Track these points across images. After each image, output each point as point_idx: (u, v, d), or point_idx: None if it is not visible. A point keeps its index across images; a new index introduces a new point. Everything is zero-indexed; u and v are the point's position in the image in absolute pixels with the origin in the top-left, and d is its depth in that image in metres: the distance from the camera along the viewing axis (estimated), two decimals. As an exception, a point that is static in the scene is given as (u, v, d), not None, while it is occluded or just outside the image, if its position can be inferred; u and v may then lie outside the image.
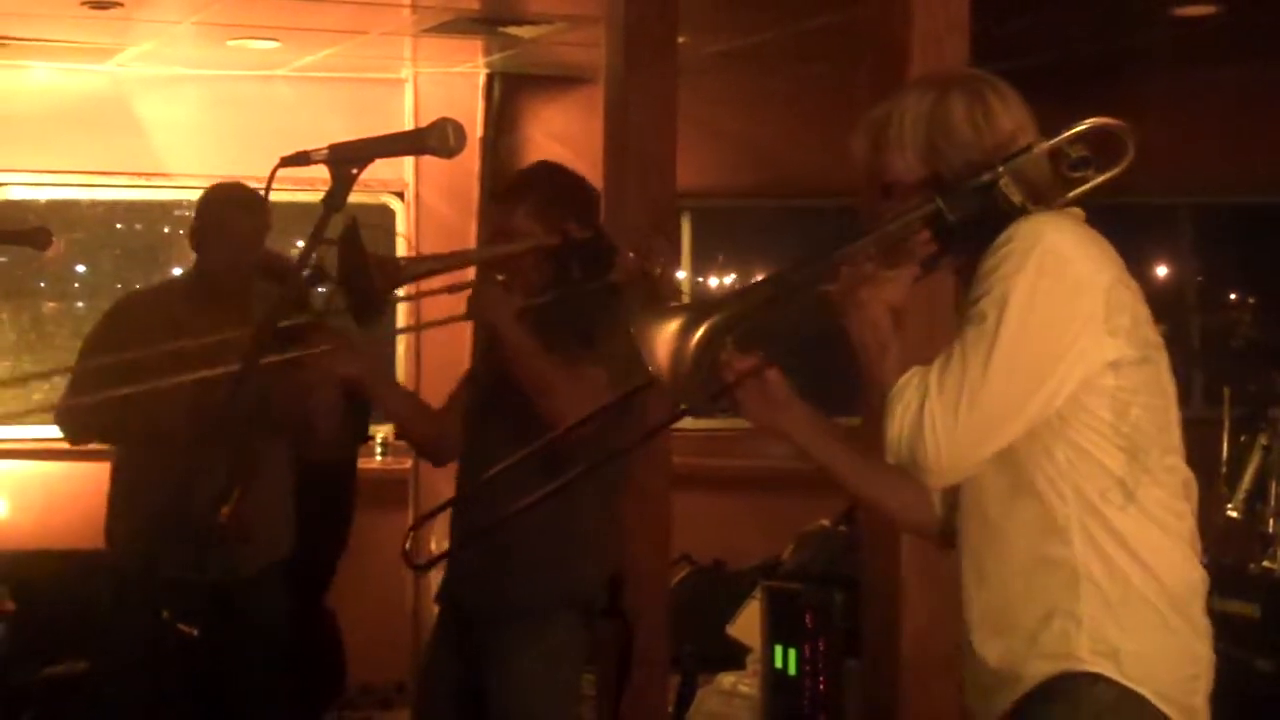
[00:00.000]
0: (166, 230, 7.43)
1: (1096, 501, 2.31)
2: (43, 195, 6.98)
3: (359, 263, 3.34)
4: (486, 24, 6.09)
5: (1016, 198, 2.33)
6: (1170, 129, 6.97)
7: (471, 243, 6.97)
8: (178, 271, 6.32)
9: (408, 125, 6.67)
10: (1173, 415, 2.42)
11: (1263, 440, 5.54)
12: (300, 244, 4.60)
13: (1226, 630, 5.22)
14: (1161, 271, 7.74)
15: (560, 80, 7.06)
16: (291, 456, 4.44)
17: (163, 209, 7.28)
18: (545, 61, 6.81)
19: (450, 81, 7.01)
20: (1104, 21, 6.18)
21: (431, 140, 2.40)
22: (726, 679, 5.81)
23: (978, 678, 2.42)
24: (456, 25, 6.03)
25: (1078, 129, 2.39)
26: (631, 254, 3.63)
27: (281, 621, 4.42)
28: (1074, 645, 2.28)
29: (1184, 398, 8.04)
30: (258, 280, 4.26)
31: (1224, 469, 5.72)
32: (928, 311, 2.93)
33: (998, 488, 2.36)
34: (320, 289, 3.96)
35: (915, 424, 2.27)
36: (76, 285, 7.54)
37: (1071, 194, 2.40)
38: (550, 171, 3.84)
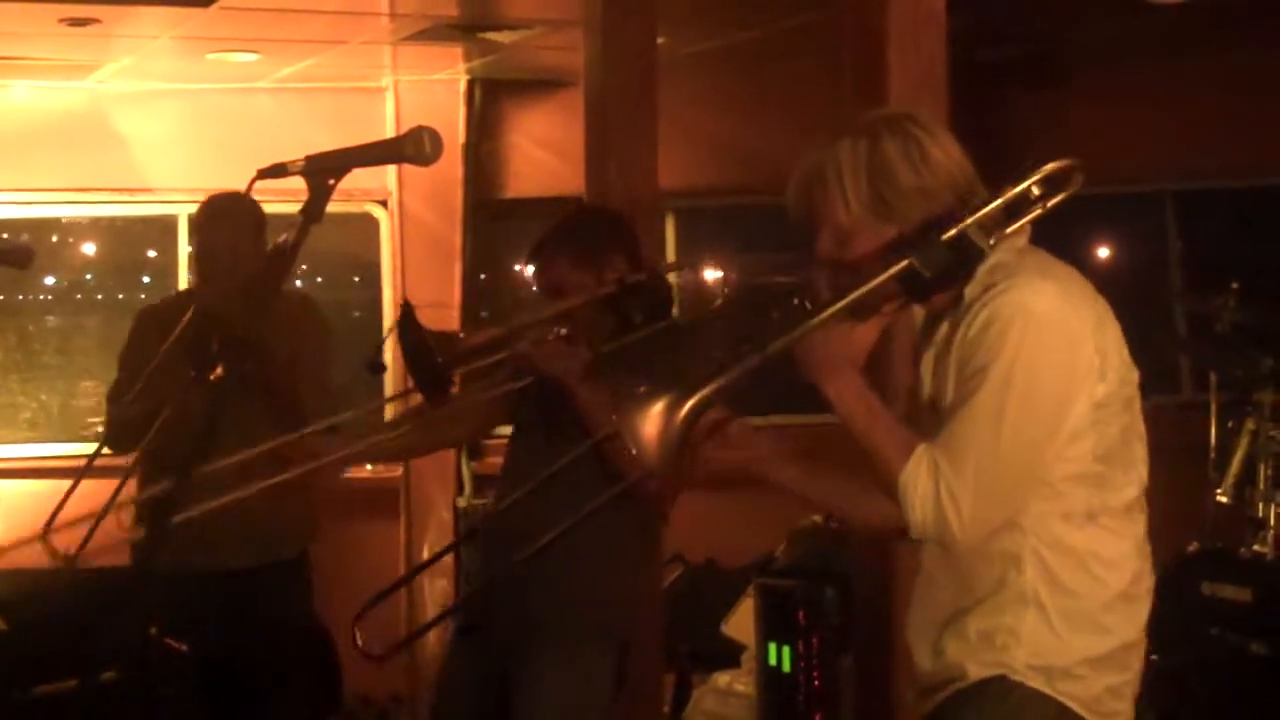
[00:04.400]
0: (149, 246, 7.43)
1: (1058, 530, 2.43)
2: (24, 213, 6.97)
3: (420, 344, 3.35)
4: (465, 30, 6.09)
5: (983, 242, 2.41)
6: (1153, 116, 6.99)
7: (456, 250, 6.98)
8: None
9: (390, 133, 6.65)
10: (1139, 427, 2.50)
11: (1250, 425, 5.54)
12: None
13: (1220, 614, 5.28)
14: (1145, 257, 7.74)
15: (541, 84, 7.05)
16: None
17: (145, 224, 7.26)
18: (525, 66, 6.80)
19: (431, 89, 7.00)
20: (1086, 9, 6.19)
21: (408, 148, 2.39)
22: (722, 677, 5.82)
23: (924, 675, 2.55)
24: (435, 32, 6.03)
25: (1038, 175, 2.44)
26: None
27: (295, 619, 4.48)
28: (1012, 657, 2.44)
29: (1172, 383, 8.02)
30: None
31: (1212, 454, 5.72)
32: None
33: None
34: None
35: (936, 508, 2.35)
36: (62, 302, 7.53)
37: (1017, 224, 2.46)
38: (578, 215, 3.80)
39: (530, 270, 3.65)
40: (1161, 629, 5.78)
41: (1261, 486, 5.43)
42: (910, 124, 2.49)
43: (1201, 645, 5.28)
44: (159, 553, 3.72)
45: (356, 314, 7.18)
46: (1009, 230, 2.44)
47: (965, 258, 2.41)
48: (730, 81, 6.95)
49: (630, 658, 3.75)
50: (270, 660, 4.48)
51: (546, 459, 3.39)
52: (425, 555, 6.67)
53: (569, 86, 6.59)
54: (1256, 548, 5.34)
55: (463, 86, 7.02)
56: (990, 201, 2.43)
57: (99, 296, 7.65)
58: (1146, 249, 7.66)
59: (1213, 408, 5.79)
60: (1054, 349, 2.35)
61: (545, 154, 6.99)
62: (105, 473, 4.55)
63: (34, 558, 6.16)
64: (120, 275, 7.67)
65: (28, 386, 7.13)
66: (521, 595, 3.61)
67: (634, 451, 2.34)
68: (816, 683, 5.02)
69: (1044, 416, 2.35)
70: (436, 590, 6.16)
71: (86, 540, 4.17)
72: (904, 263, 2.40)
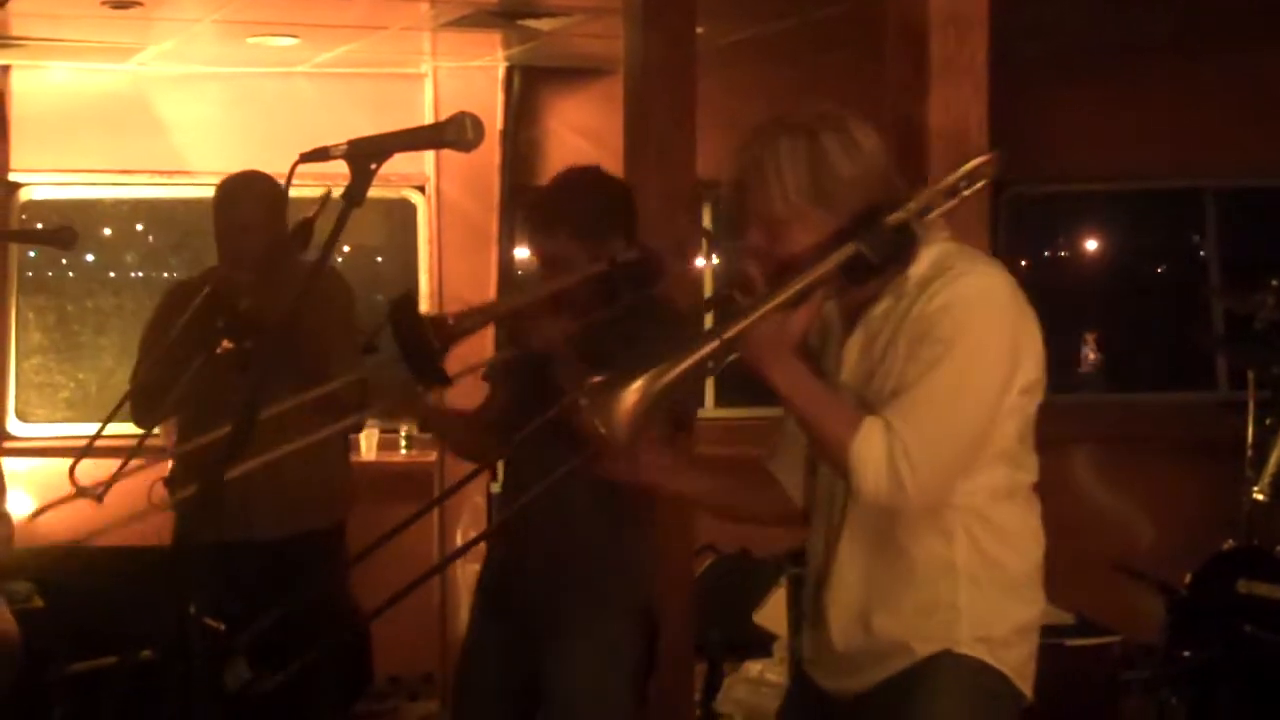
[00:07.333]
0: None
1: (982, 504, 2.58)
2: (66, 195, 7.01)
3: (416, 329, 3.40)
4: (505, 17, 6.09)
5: (919, 229, 2.57)
6: (1194, 113, 6.95)
7: (492, 237, 6.99)
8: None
9: (428, 119, 6.67)
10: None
11: (1287, 423, 5.52)
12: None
13: (1255, 612, 5.25)
14: (1184, 254, 7.71)
15: (580, 72, 7.05)
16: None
17: (186, 207, 7.30)
18: (564, 53, 6.80)
19: (470, 75, 7.01)
20: (1126, 5, 6.16)
21: (450, 134, 2.40)
22: (753, 667, 5.82)
23: (849, 653, 2.65)
24: (475, 19, 6.03)
25: (964, 169, 2.65)
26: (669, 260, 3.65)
27: (336, 588, 4.52)
28: (955, 632, 2.57)
29: (1209, 381, 7.98)
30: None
31: (1249, 452, 5.70)
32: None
33: None
34: None
35: (890, 469, 2.44)
36: (100, 284, 7.57)
37: (935, 212, 2.61)
38: (585, 184, 3.70)
39: (526, 227, 3.67)
40: (1196, 626, 5.77)
41: (1298, 485, 5.41)
42: (842, 119, 2.61)
43: (1236, 643, 5.26)
44: (203, 525, 3.76)
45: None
46: (930, 216, 2.60)
47: (905, 244, 2.54)
48: (769, 71, 6.94)
49: (657, 634, 3.77)
50: (303, 633, 4.51)
51: (531, 443, 3.40)
52: (459, 541, 6.69)
53: (608, 74, 6.59)
54: (1293, 546, 5.31)
55: (501, 73, 7.02)
56: (925, 190, 2.61)
57: (138, 275, 7.70)
58: (1186, 246, 7.63)
59: (1250, 405, 5.77)
60: (1009, 333, 2.52)
61: (583, 142, 6.99)
62: (146, 453, 4.59)
63: (69, 533, 6.23)
64: (159, 257, 7.71)
65: (66, 366, 7.18)
66: (540, 570, 3.67)
67: (601, 430, 2.41)
68: (847, 674, 5.01)
69: (994, 393, 2.51)
70: (469, 575, 6.17)
71: (113, 480, 4.22)
72: (851, 249, 2.50)
